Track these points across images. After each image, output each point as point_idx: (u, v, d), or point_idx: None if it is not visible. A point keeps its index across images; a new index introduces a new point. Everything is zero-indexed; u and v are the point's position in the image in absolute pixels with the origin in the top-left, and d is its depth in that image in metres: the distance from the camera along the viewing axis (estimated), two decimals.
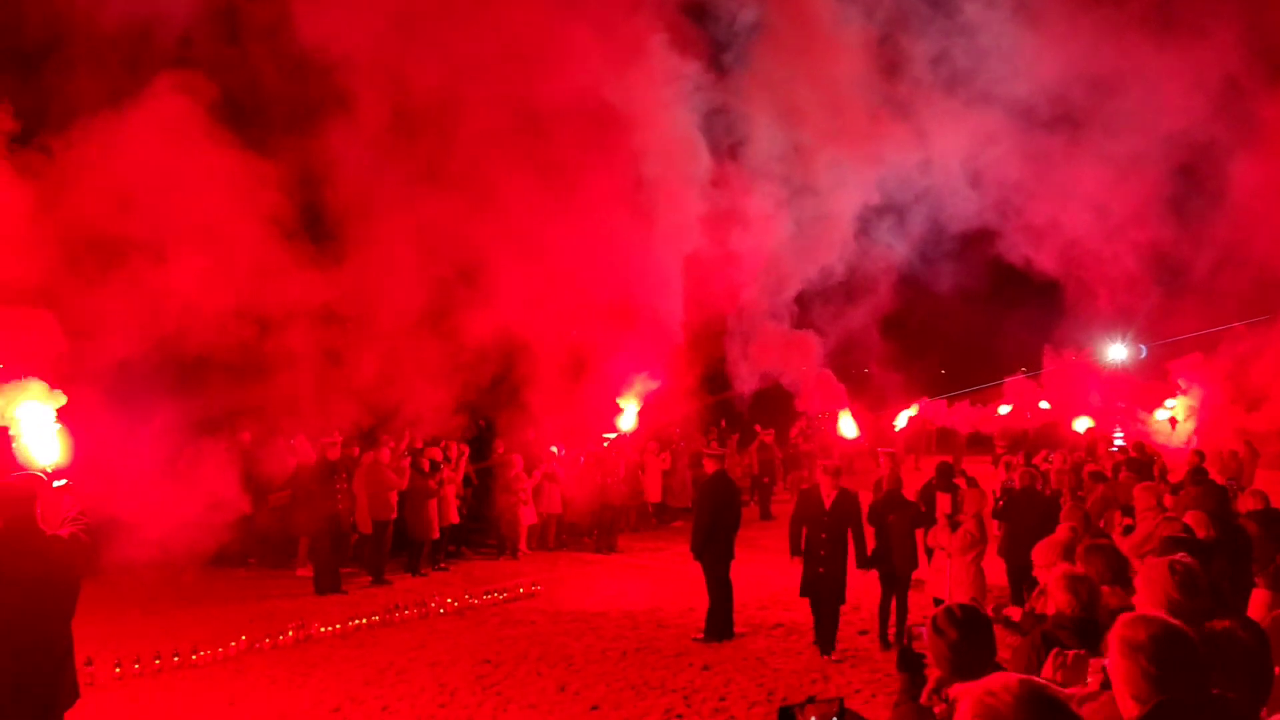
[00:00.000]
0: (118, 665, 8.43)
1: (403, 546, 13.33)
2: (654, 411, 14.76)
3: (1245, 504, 8.84)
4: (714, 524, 10.17)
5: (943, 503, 9.66)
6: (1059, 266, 17.48)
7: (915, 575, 9.99)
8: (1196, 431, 17.36)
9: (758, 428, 20.75)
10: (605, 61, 12.39)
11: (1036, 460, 15.42)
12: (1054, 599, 4.47)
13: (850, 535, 9.54)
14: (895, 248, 16.96)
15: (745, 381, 16.64)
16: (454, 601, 11.26)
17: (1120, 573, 5.08)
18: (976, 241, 17.69)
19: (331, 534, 12.18)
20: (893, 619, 9.70)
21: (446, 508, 13.59)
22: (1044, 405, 22.94)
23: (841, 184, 15.15)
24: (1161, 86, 14.63)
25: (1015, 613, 5.33)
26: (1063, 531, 6.37)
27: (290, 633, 9.71)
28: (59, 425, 5.41)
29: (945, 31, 15.12)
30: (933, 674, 3.56)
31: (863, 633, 10.10)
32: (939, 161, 15.41)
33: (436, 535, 13.37)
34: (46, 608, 4.80)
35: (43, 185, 6.52)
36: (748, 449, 20.39)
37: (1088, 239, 16.79)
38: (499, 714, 7.81)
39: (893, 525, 9.81)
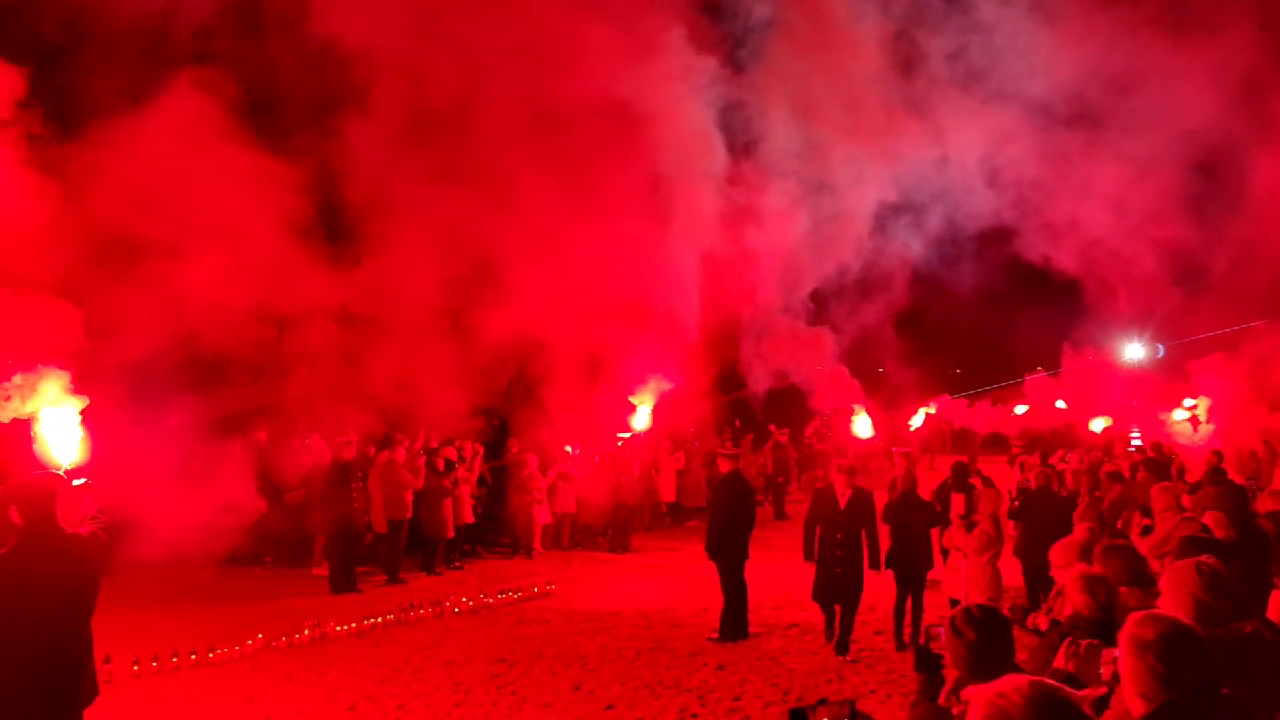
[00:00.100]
0: (136, 663, 8.48)
1: (418, 546, 13.37)
2: (668, 411, 14.74)
3: (1264, 504, 8.77)
4: (729, 524, 10.15)
5: (957, 503, 9.62)
6: (1075, 265, 17.37)
7: (931, 575, 9.95)
8: (1216, 431, 17.20)
9: (772, 427, 20.73)
10: (622, 57, 12.37)
11: (1053, 460, 15.34)
12: (1071, 600, 4.45)
13: (865, 535, 9.51)
14: (910, 245, 16.89)
15: (759, 380, 16.60)
16: (469, 600, 11.28)
17: (1138, 573, 5.04)
18: (991, 239, 17.60)
19: (347, 533, 12.23)
20: (908, 619, 9.67)
21: (461, 507, 13.62)
22: (1060, 405, 22.79)
23: (857, 181, 15.10)
24: (1179, 84, 14.52)
25: (1043, 623, 5.28)
26: (1080, 532, 6.33)
27: (306, 631, 9.75)
28: (80, 424, 5.44)
29: (962, 28, 15.06)
30: (950, 674, 3.55)
31: (878, 633, 10.07)
32: (954, 158, 15.33)
33: (451, 534, 13.41)
34: (67, 606, 4.83)
35: (60, 183, 6.55)
36: (762, 448, 20.37)
37: (1104, 237, 16.68)
38: (514, 713, 7.82)
39: (908, 525, 9.78)
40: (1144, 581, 5.00)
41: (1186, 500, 9.11)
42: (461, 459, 13.92)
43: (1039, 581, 9.85)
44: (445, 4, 11.56)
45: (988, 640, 3.43)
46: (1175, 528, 7.17)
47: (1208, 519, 6.78)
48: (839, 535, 9.35)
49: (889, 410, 19.53)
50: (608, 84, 12.38)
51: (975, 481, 11.56)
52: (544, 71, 11.93)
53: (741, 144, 15.02)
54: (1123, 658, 2.95)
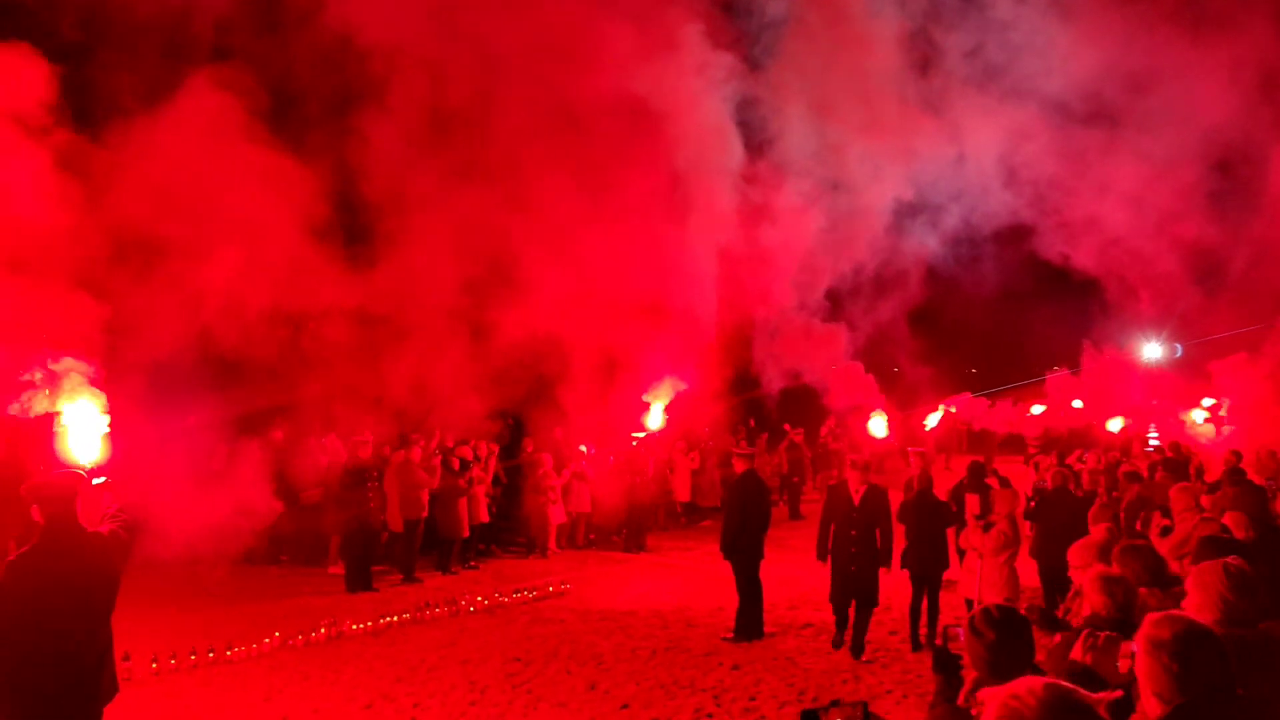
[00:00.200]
0: (154, 661, 8.54)
1: (433, 545, 13.41)
2: (683, 410, 14.72)
3: None
4: (743, 523, 10.14)
5: (972, 503, 9.58)
6: (1092, 263, 17.26)
7: (947, 576, 9.92)
8: (1236, 431, 17.06)
9: (787, 427, 20.69)
10: (639, 54, 12.34)
11: (1070, 460, 15.25)
12: (1089, 600, 4.44)
13: (879, 533, 9.46)
14: (925, 243, 16.83)
15: (774, 380, 16.57)
16: (484, 599, 11.31)
17: (1158, 574, 5.01)
18: (1005, 238, 17.50)
19: (362, 532, 12.28)
20: (924, 620, 9.63)
21: (476, 506, 13.66)
22: (1076, 404, 22.66)
23: (873, 179, 15.05)
24: (1198, 81, 14.41)
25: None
26: (1099, 532, 6.29)
27: (322, 630, 9.80)
28: (104, 422, 5.48)
29: (979, 25, 14.98)
30: (969, 675, 3.53)
31: (893, 633, 10.03)
32: (971, 156, 15.26)
33: (466, 534, 13.44)
34: (87, 603, 4.87)
35: (79, 182, 6.59)
36: (777, 448, 20.33)
37: (1122, 235, 16.56)
38: (529, 712, 7.83)
39: (923, 525, 9.74)
40: (1164, 582, 4.98)
41: (1205, 500, 9.05)
42: (477, 458, 13.95)
43: (1055, 582, 9.80)
44: (462, 2, 11.58)
45: (1007, 641, 3.42)
46: (1195, 528, 7.12)
47: (1228, 519, 6.74)
48: (854, 533, 9.31)
49: (904, 409, 19.47)
50: (625, 81, 12.35)
51: (991, 482, 11.52)
52: (561, 68, 11.91)
53: (757, 142, 15.01)
54: (1139, 658, 2.97)
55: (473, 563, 13.75)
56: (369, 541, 12.50)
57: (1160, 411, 20.42)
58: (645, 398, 14.10)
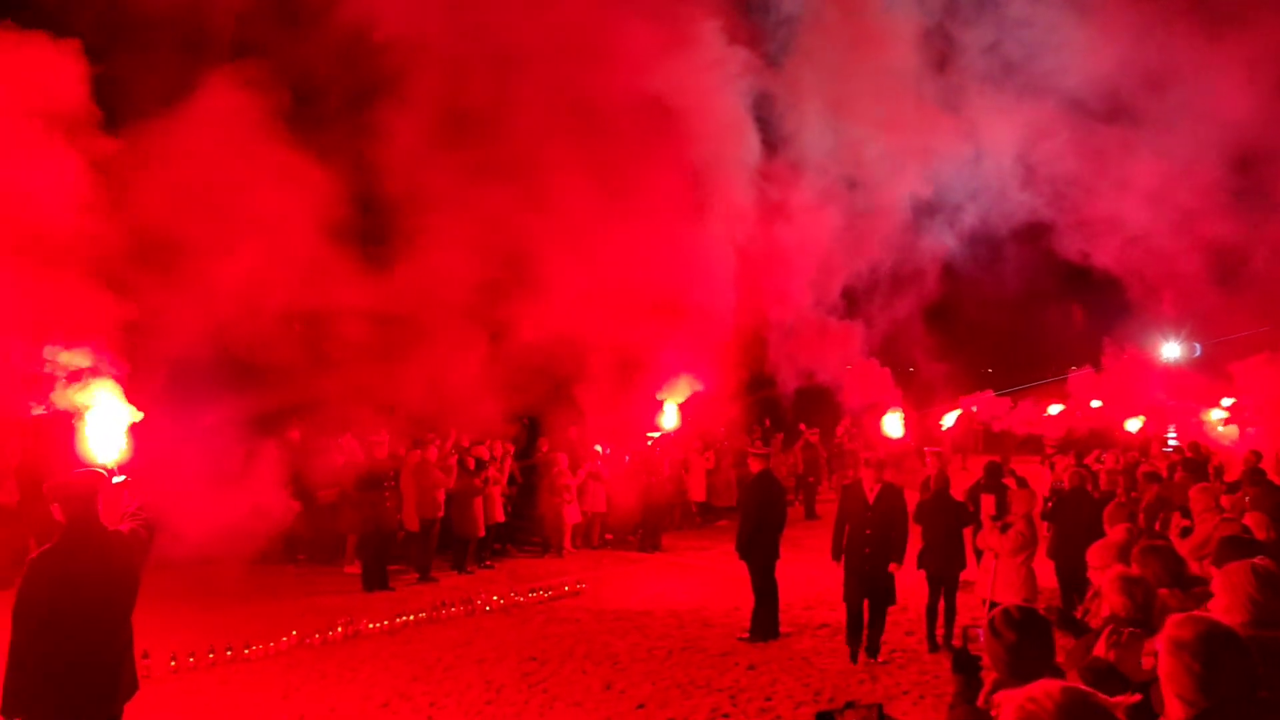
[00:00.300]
0: (173, 658, 8.59)
1: (449, 544, 13.45)
2: (698, 410, 14.71)
3: None
4: (759, 523, 10.12)
5: (988, 504, 9.53)
6: (1110, 262, 17.14)
7: (964, 576, 9.87)
8: (1258, 431, 16.91)
9: (802, 426, 20.64)
10: (657, 51, 12.33)
11: (1088, 460, 15.16)
12: (1109, 601, 4.41)
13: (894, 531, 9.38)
14: (942, 241, 16.76)
15: (789, 379, 16.54)
16: (500, 599, 11.33)
17: (1178, 575, 4.97)
18: (1023, 236, 17.41)
19: (379, 532, 12.32)
20: (941, 620, 9.59)
21: (492, 506, 13.68)
22: (1095, 404, 22.50)
23: (890, 176, 15.00)
24: (1219, 78, 14.28)
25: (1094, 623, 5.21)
26: (1119, 533, 6.25)
27: (339, 629, 9.83)
28: (124, 421, 5.52)
29: (996, 22, 14.90)
30: (988, 676, 3.52)
31: (910, 634, 10.00)
32: (988, 153, 15.19)
33: (482, 533, 13.47)
34: (107, 601, 4.91)
35: (101, 179, 6.62)
36: (792, 448, 20.29)
37: (1140, 234, 16.44)
38: (545, 711, 7.84)
39: (940, 526, 9.70)
40: (1184, 583, 4.94)
41: (1225, 501, 8.99)
42: (493, 458, 13.98)
43: (1073, 583, 9.74)
44: (479, 0, 11.59)
45: (1027, 642, 3.40)
46: (1215, 529, 7.07)
47: (1248, 520, 6.70)
48: (868, 531, 9.22)
49: (920, 409, 19.40)
50: (643, 78, 12.34)
51: (1009, 482, 11.46)
52: (579, 66, 11.90)
53: (775, 139, 14.98)
54: (1162, 659, 2.94)
55: (488, 562, 13.77)
56: (385, 541, 12.53)
57: (1179, 411, 20.26)
58: (660, 397, 14.10)
